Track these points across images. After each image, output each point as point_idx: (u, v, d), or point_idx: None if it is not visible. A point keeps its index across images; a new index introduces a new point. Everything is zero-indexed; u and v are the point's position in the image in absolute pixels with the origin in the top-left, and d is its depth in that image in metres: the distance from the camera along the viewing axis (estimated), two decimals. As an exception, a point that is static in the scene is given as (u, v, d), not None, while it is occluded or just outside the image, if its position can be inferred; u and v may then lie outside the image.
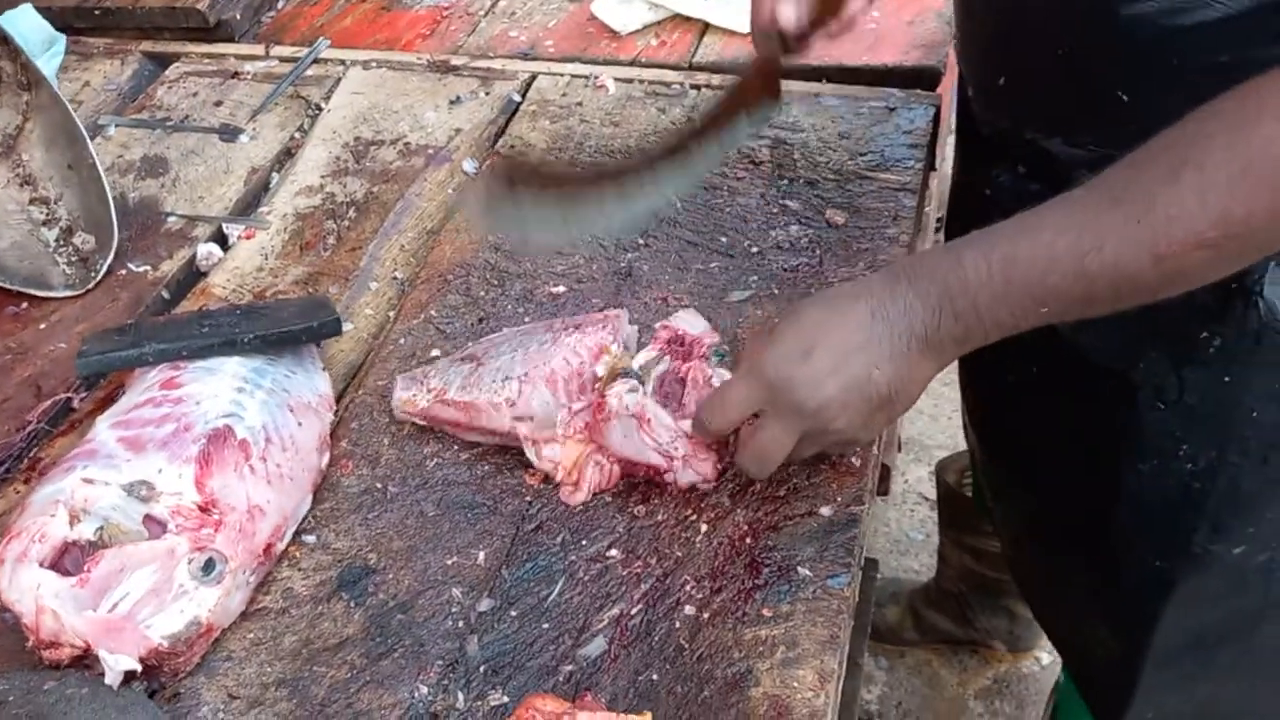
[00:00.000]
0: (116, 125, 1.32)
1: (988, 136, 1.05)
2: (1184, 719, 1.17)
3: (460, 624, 0.80)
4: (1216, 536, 1.01)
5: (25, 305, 1.10)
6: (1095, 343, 0.99)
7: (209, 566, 0.77)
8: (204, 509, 0.80)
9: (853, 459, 0.88)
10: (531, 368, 0.90)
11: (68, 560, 0.77)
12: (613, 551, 0.83)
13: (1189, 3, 0.80)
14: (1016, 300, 0.73)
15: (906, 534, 2.18)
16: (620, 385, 0.86)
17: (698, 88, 1.29)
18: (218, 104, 1.34)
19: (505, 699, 0.75)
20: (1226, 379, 0.94)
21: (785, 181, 1.14)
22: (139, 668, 0.75)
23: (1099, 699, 1.24)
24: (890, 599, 1.98)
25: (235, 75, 1.38)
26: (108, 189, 1.15)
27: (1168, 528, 1.04)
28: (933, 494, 2.02)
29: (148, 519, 0.79)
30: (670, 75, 1.32)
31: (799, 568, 0.81)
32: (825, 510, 0.84)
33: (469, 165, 1.21)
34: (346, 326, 1.02)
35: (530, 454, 0.89)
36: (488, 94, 1.31)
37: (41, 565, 0.76)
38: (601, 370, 0.89)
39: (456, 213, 1.02)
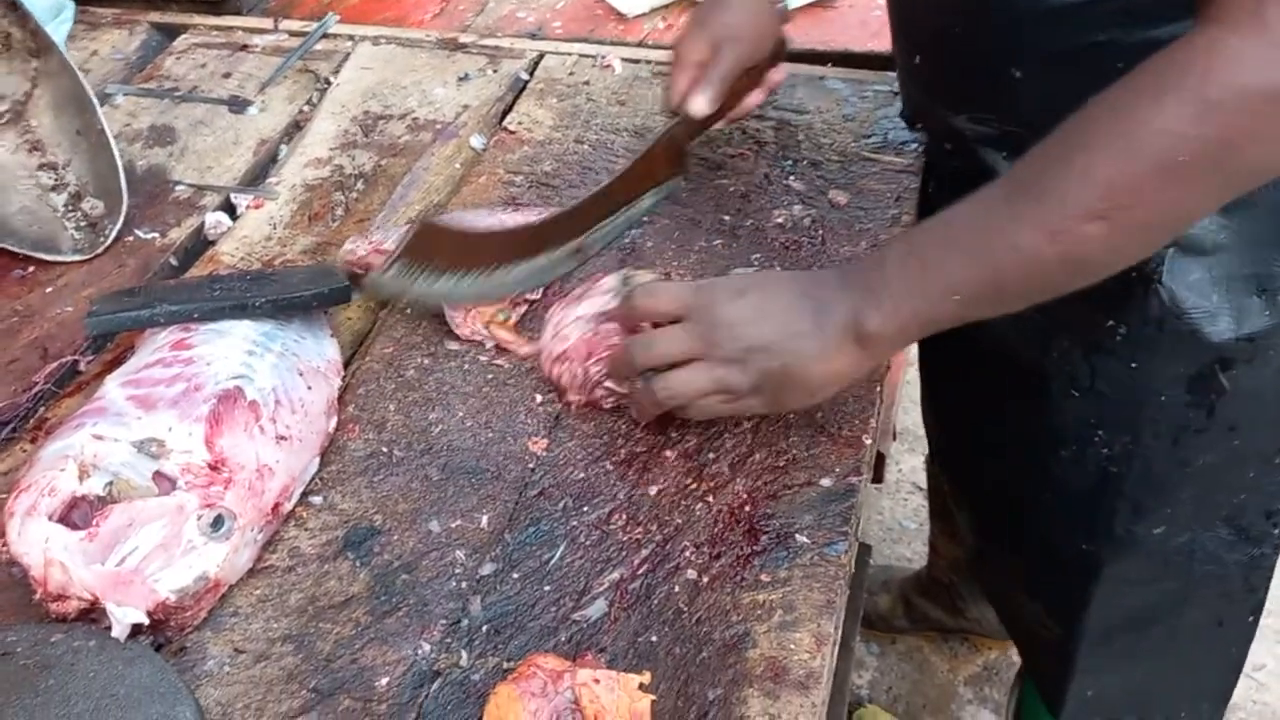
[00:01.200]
0: (124, 94, 1.32)
1: (916, 115, 1.11)
2: (1122, 697, 1.22)
3: (463, 585, 0.81)
4: (1136, 519, 1.05)
5: (32, 269, 1.10)
6: (1009, 332, 1.02)
7: (218, 523, 0.78)
8: (214, 467, 0.81)
9: (851, 431, 0.89)
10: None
11: (76, 515, 0.78)
12: (614, 518, 0.85)
13: None
14: (930, 290, 0.76)
15: (900, 522, 2.20)
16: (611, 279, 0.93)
17: (704, 69, 1.30)
18: (226, 76, 1.35)
19: (507, 658, 0.76)
20: (1134, 365, 0.97)
21: (789, 162, 1.15)
22: (146, 621, 0.76)
23: (1042, 679, 1.28)
24: (882, 587, 2.00)
25: (244, 48, 1.39)
26: (117, 155, 1.16)
27: (1091, 512, 1.07)
28: (924, 483, 2.03)
29: (157, 475, 0.80)
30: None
31: (797, 535, 0.82)
32: (824, 481, 0.86)
33: (476, 141, 1.22)
34: (354, 295, 1.03)
35: (445, 307, 0.98)
36: (495, 71, 1.32)
37: (50, 519, 0.77)
38: None
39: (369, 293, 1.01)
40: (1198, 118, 0.67)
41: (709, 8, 1.06)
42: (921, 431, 2.29)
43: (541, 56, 1.34)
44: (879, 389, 0.92)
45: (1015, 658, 1.95)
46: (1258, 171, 0.71)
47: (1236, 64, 0.66)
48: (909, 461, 2.28)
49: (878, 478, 1.91)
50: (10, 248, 1.10)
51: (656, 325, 0.86)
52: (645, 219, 1.10)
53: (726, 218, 1.10)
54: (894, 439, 2.16)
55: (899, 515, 2.22)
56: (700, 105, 1.03)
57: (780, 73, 1.12)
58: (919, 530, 2.15)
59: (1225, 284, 0.92)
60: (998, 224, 0.74)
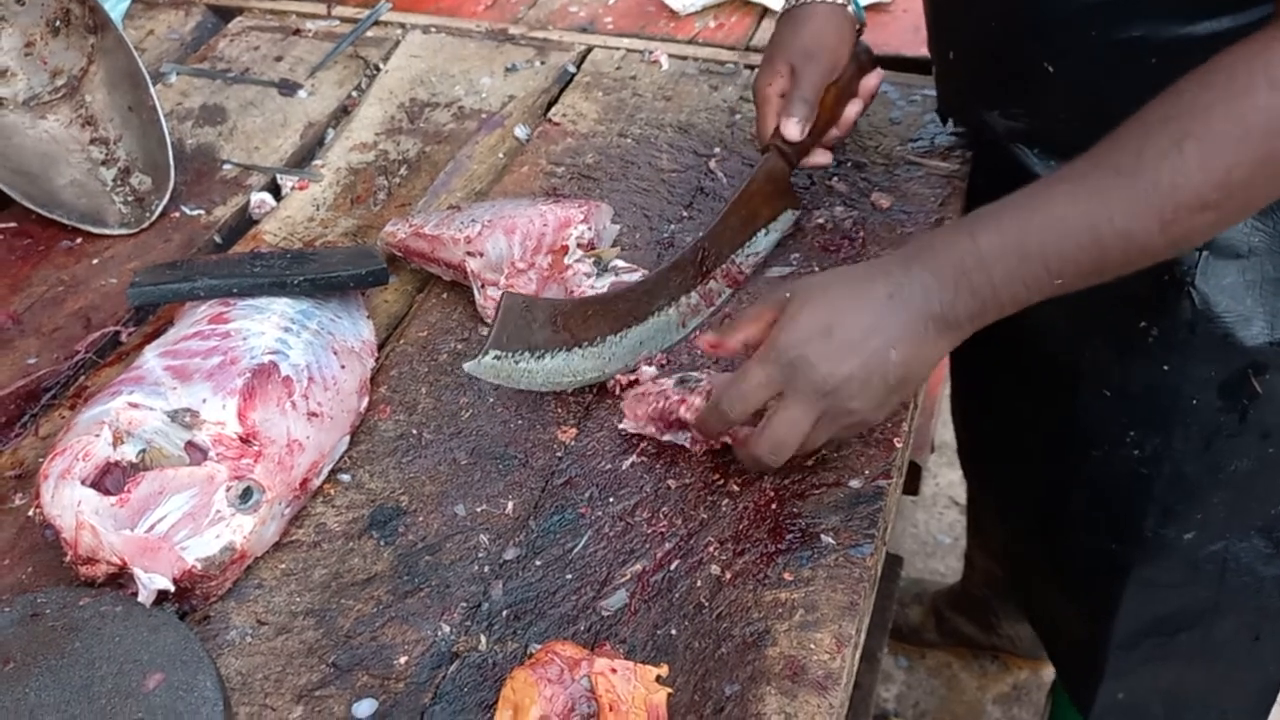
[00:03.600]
0: (178, 73, 1.34)
1: (950, 112, 1.11)
2: (1152, 701, 1.21)
3: (486, 569, 0.81)
4: (1166, 522, 1.04)
5: (80, 240, 1.12)
6: (1042, 331, 1.02)
7: (247, 495, 0.79)
8: (245, 440, 0.81)
9: (881, 434, 0.88)
10: (498, 216, 0.98)
11: (109, 480, 0.79)
12: (639, 510, 0.84)
13: None
14: (1031, 272, 0.74)
15: (934, 536, 2.18)
16: (583, 262, 0.93)
17: (751, 68, 1.29)
18: (278, 59, 1.36)
19: (526, 644, 0.76)
20: (1166, 368, 0.96)
21: (833, 163, 1.14)
22: (172, 588, 0.76)
23: (1073, 682, 1.27)
24: (914, 599, 1.98)
25: (296, 32, 1.41)
26: (167, 133, 1.18)
27: (1121, 513, 1.07)
28: (963, 498, 2.01)
29: (189, 445, 0.81)
30: (725, 55, 1.33)
31: (823, 535, 0.81)
32: (853, 482, 0.85)
33: (520, 131, 1.22)
34: (390, 279, 1.04)
35: (476, 292, 0.97)
36: (543, 63, 1.33)
37: (84, 483, 0.78)
38: (571, 243, 0.95)
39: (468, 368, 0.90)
40: None
41: (778, 35, 1.05)
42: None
43: (590, 50, 1.35)
44: (914, 393, 0.91)
45: (1046, 679, 1.92)
46: None
47: None
48: (947, 475, 2.26)
49: (913, 490, 1.89)
50: (59, 219, 1.12)
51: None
52: (685, 213, 1.10)
53: (767, 216, 1.09)
54: (932, 451, 2.13)
55: (934, 529, 2.20)
56: (792, 130, 1.00)
57: (874, 78, 1.09)
58: (953, 545, 2.12)
59: (1259, 288, 0.91)
60: (1108, 210, 0.72)
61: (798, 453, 0.81)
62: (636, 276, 0.94)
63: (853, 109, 1.07)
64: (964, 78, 1.03)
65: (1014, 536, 1.29)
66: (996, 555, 1.73)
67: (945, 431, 2.27)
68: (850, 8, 1.05)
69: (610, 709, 0.70)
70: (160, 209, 1.14)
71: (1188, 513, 1.04)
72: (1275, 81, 0.68)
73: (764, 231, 1.03)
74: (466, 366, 0.88)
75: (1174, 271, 0.91)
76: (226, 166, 1.21)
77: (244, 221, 1.15)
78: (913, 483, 1.85)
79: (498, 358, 0.88)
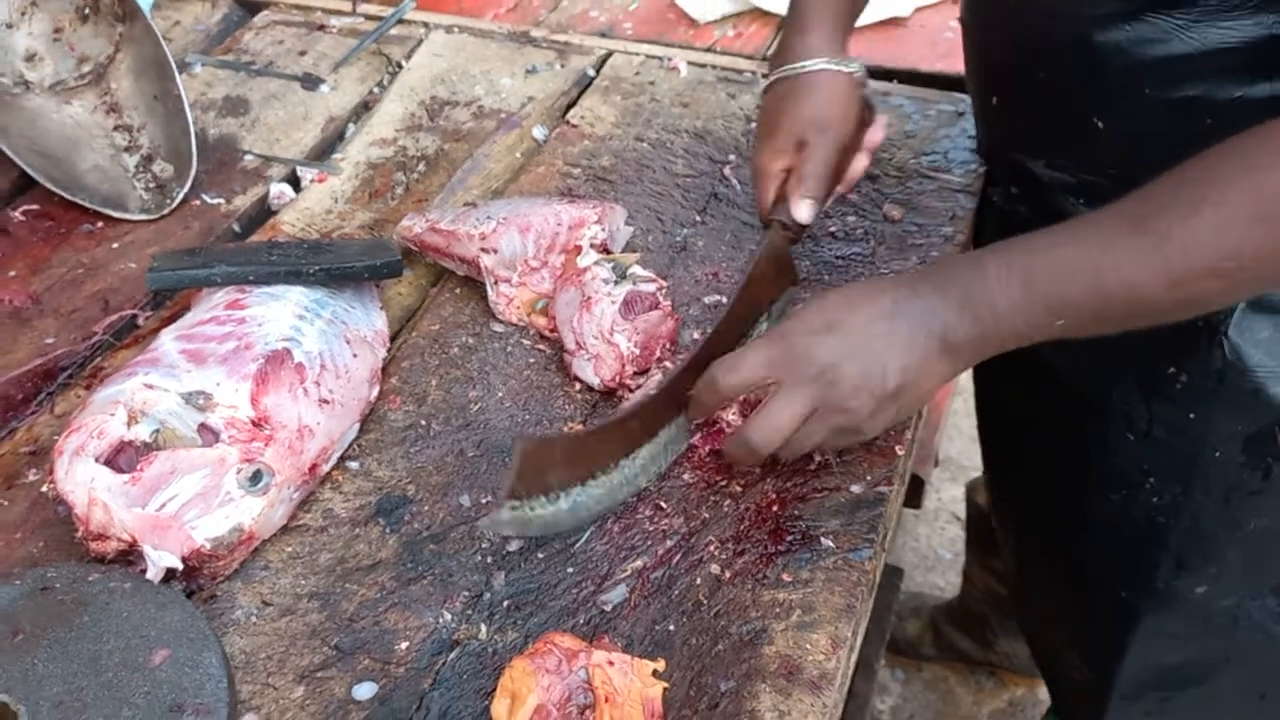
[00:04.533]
0: (203, 64, 1.36)
1: (985, 157, 1.09)
2: None
3: (489, 560, 0.82)
4: (1180, 573, 1.03)
5: (100, 224, 1.14)
6: (1071, 366, 1.01)
7: (256, 478, 0.80)
8: (256, 424, 0.83)
9: (885, 441, 0.89)
10: (513, 214, 1.00)
11: (122, 459, 0.80)
12: (642, 507, 0.85)
13: (1158, 35, 0.83)
14: (1034, 310, 0.74)
15: (935, 550, 2.18)
16: (602, 266, 0.94)
17: (768, 77, 1.30)
18: (302, 54, 1.38)
19: (525, 634, 0.77)
20: (1192, 416, 0.95)
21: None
22: (180, 566, 0.78)
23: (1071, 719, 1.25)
24: (912, 613, 1.98)
25: (321, 28, 1.42)
26: (190, 122, 1.19)
27: (1134, 559, 1.05)
28: (964, 514, 2.02)
29: (202, 428, 0.82)
30: (743, 64, 1.34)
31: (822, 538, 0.82)
32: (854, 487, 0.86)
33: (538, 132, 1.23)
34: (405, 272, 1.05)
35: (489, 288, 0.99)
36: (563, 66, 1.34)
37: (97, 460, 0.79)
38: (585, 243, 0.97)
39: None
40: None
41: (778, 107, 0.97)
42: (964, 461, 2.28)
43: (609, 55, 1.36)
44: (913, 411, 0.92)
45: (1042, 697, 1.92)
46: None
47: None
48: (949, 491, 2.26)
49: (915, 503, 1.89)
50: (81, 202, 1.13)
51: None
52: (698, 219, 1.11)
53: (779, 224, 1.10)
54: (935, 465, 2.14)
55: (935, 543, 2.20)
56: (804, 213, 0.95)
57: (879, 131, 1.03)
58: (954, 560, 2.13)
59: None
60: (1115, 259, 0.72)
61: (789, 452, 0.82)
62: (653, 287, 0.94)
63: (859, 164, 1.02)
64: (1008, 124, 1.01)
65: (1026, 558, 1.28)
66: (1000, 574, 1.73)
67: (950, 446, 2.28)
68: (855, 70, 0.98)
69: (606, 700, 0.71)
70: (181, 196, 1.16)
71: (1202, 567, 1.02)
72: None
73: (766, 316, 0.98)
74: (482, 524, 0.83)
75: (1208, 320, 0.90)
76: (247, 157, 1.23)
77: (263, 211, 1.17)
78: (915, 496, 1.85)
79: (514, 508, 0.80)
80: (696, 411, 0.86)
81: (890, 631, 1.82)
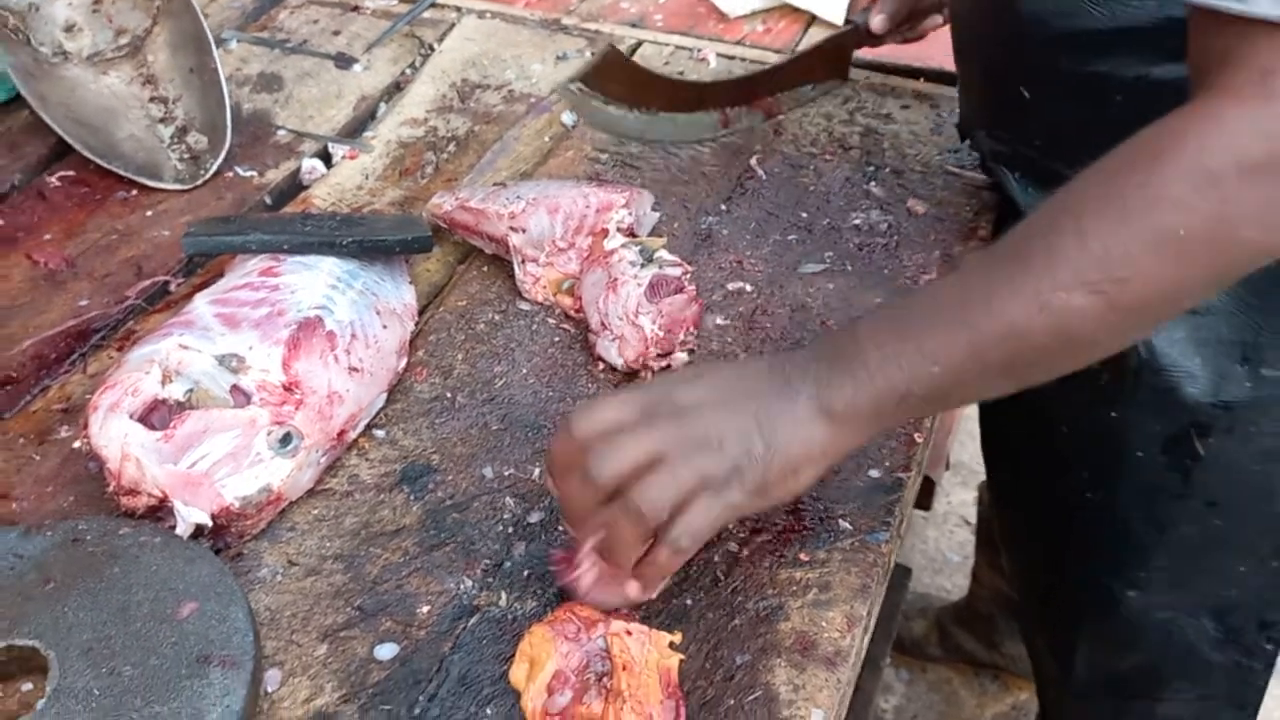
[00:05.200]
0: (238, 40, 1.38)
1: (962, 131, 1.13)
2: None
3: (510, 530, 0.84)
4: (1113, 574, 1.04)
5: (135, 192, 1.15)
6: None
7: (286, 440, 0.82)
8: (288, 388, 0.84)
9: (903, 429, 0.90)
10: (542, 195, 1.02)
11: (155, 417, 0.82)
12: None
13: (1074, 9, 0.85)
14: (905, 359, 0.67)
15: (943, 553, 2.19)
16: (629, 249, 0.97)
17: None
18: (336, 33, 1.40)
19: (544, 604, 0.79)
20: (1114, 414, 0.96)
21: (871, 168, 1.17)
22: (209, 523, 0.79)
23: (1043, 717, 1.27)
24: (919, 613, 1.99)
25: (355, 8, 1.44)
26: (226, 95, 1.21)
27: (1077, 555, 1.07)
28: (974, 518, 2.03)
29: (235, 389, 0.83)
30: (772, 58, 1.35)
31: (840, 520, 0.83)
32: (873, 472, 0.87)
33: (567, 117, 1.25)
34: (435, 248, 1.07)
35: (516, 267, 1.02)
36: (593, 54, 1.35)
37: (131, 417, 0.81)
38: (612, 226, 1.01)
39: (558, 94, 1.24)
40: (1195, 189, 0.61)
41: None
42: (975, 466, 2.29)
43: (639, 44, 1.37)
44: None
45: (1045, 701, 1.93)
46: (1257, 251, 0.64)
47: (1237, 134, 0.61)
48: (960, 495, 2.27)
49: (925, 505, 1.91)
50: (117, 170, 1.15)
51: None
52: (724, 208, 1.12)
53: (804, 214, 1.12)
54: (947, 469, 2.15)
55: (943, 546, 2.21)
56: (877, 24, 1.17)
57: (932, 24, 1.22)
58: (962, 564, 2.14)
59: (1210, 346, 0.90)
60: (983, 290, 0.66)
61: (673, 540, 0.70)
62: (679, 271, 0.96)
63: (931, 23, 1.21)
64: (965, 97, 1.07)
65: (1010, 562, 1.30)
66: (1006, 574, 1.74)
67: (961, 450, 2.29)
68: None
69: (624, 669, 0.72)
70: (214, 168, 1.18)
71: (1132, 569, 1.03)
72: (1158, 158, 0.63)
73: (810, 86, 1.26)
74: (558, 86, 1.22)
75: None
76: (280, 132, 1.24)
77: (294, 186, 1.18)
78: (925, 498, 1.87)
79: (580, 90, 1.18)
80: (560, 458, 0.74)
81: (896, 631, 1.83)
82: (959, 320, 0.67)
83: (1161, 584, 1.03)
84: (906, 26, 1.21)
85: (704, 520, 0.69)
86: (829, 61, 1.26)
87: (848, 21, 1.25)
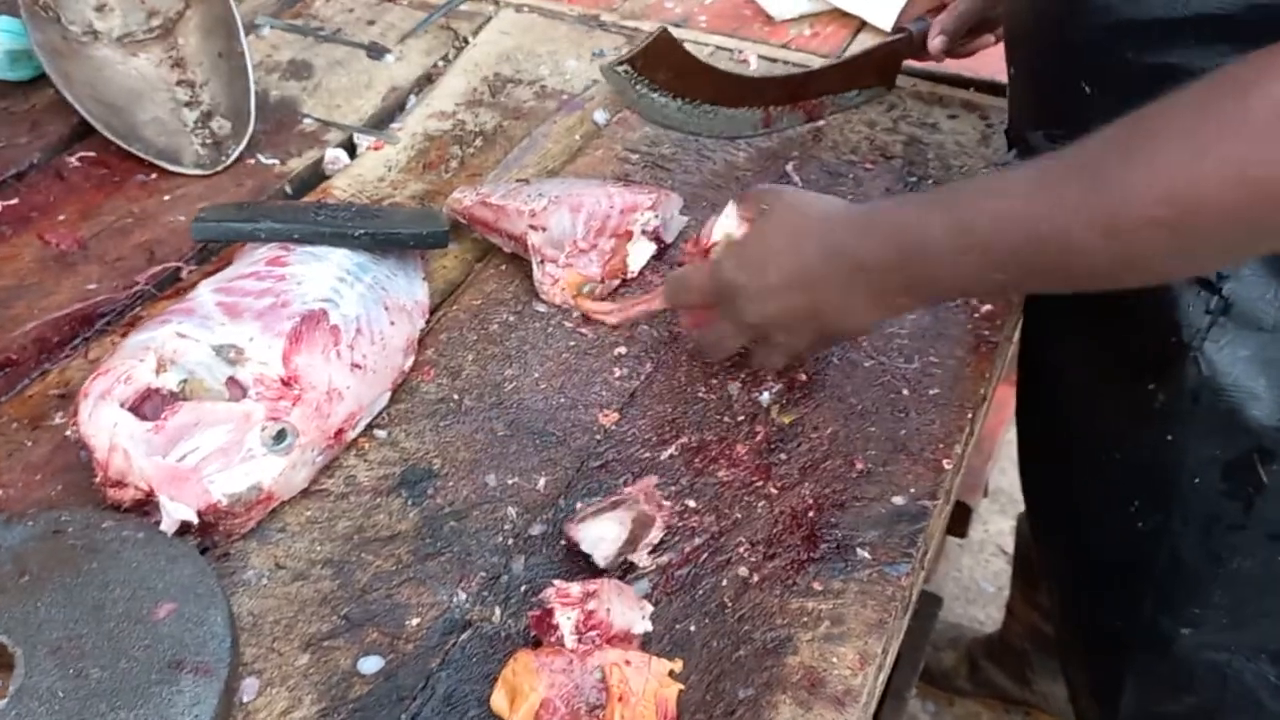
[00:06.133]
0: (271, 26, 1.35)
1: (1011, 134, 1.08)
2: None
3: (510, 542, 0.79)
4: (1165, 608, 0.98)
5: (155, 176, 1.13)
6: (1064, 378, 1.01)
7: (280, 436, 0.78)
8: (286, 382, 0.81)
9: (931, 454, 0.85)
10: (565, 193, 0.98)
11: (147, 407, 0.79)
12: (671, 503, 0.82)
13: None
14: (969, 260, 0.71)
15: (978, 582, 2.12)
16: (641, 245, 0.99)
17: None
18: (370, 23, 1.37)
19: (540, 621, 0.74)
20: (1169, 438, 0.90)
21: (914, 179, 1.12)
22: (195, 520, 0.76)
23: None
24: (949, 644, 1.92)
25: (392, -1, 1.41)
26: (252, 82, 1.18)
27: (1126, 590, 1.00)
28: (1011, 548, 1.96)
29: (230, 381, 0.80)
30: (817, 61, 1.31)
31: (859, 549, 0.78)
32: (897, 499, 0.82)
33: (599, 115, 1.21)
34: (452, 246, 1.03)
35: (535, 267, 0.98)
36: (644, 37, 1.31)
37: (122, 406, 0.78)
38: (636, 229, 0.99)
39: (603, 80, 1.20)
40: (1274, 125, 0.60)
41: None
42: (1016, 494, 2.21)
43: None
44: (970, 416, 0.88)
45: (1078, 742, 1.85)
46: None
47: None
48: (998, 523, 2.20)
49: (961, 532, 1.84)
50: (137, 152, 1.13)
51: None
52: None
53: (840, 225, 1.07)
54: (985, 496, 2.08)
55: (978, 575, 2.14)
56: (936, 45, 1.14)
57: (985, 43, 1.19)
58: (996, 594, 2.07)
59: (1277, 366, 0.84)
60: (1049, 208, 0.68)
61: (761, 363, 0.88)
62: None
63: (983, 42, 1.18)
64: (1019, 96, 1.02)
65: (1051, 604, 1.24)
66: (1045, 609, 1.68)
67: (1001, 478, 2.21)
68: None
69: (620, 700, 0.68)
70: (236, 154, 1.15)
71: (1186, 604, 0.97)
72: (1246, 87, 0.61)
73: (856, 92, 1.23)
74: (600, 65, 1.20)
75: (1180, 334, 0.85)
76: (306, 121, 1.21)
77: (316, 175, 1.15)
78: (961, 525, 1.80)
79: (626, 73, 1.15)
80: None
81: (925, 661, 1.77)
82: (1023, 234, 0.69)
83: (1217, 622, 0.97)
84: (961, 43, 1.18)
85: (780, 357, 0.87)
86: (878, 69, 1.23)
87: (900, 29, 1.20)
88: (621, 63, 1.14)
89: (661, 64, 1.15)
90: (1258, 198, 0.61)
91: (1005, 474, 2.22)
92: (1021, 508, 2.03)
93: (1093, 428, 0.98)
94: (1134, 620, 1.01)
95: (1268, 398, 0.85)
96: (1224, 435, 0.88)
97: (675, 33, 1.36)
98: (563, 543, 0.79)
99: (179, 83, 1.22)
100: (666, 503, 0.80)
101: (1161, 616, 0.98)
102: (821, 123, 1.21)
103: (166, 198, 1.10)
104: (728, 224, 0.90)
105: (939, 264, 0.73)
